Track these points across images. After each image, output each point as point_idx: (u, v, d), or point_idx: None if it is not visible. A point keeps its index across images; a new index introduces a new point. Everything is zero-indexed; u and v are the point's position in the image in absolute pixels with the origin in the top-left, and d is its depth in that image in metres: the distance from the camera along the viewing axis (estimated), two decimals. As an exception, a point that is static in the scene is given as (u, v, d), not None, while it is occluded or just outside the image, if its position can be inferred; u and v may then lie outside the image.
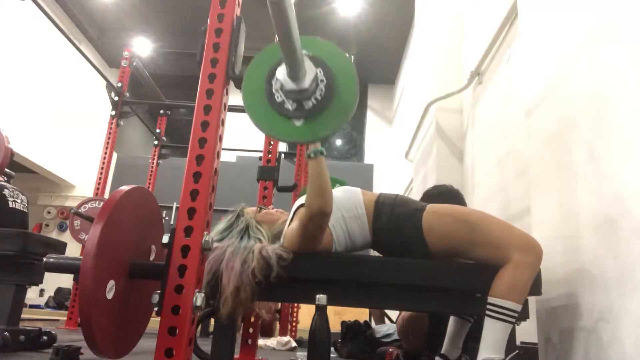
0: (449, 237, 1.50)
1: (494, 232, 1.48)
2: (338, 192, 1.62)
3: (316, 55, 1.33)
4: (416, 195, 4.41)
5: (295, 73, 1.25)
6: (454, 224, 1.51)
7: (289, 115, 1.30)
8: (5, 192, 2.54)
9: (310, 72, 1.27)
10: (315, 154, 1.35)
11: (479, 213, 1.58)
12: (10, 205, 2.53)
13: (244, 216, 1.63)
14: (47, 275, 2.14)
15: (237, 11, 1.38)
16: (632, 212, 1.33)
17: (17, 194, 2.61)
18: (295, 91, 1.27)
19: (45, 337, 2.13)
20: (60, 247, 2.34)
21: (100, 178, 4.27)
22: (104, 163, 4.32)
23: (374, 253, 1.78)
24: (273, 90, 1.32)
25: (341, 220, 1.56)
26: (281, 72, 1.29)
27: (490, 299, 1.40)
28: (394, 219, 1.55)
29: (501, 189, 3.04)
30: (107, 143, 4.37)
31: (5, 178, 2.72)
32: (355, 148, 10.77)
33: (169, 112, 5.26)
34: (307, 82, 1.26)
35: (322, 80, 1.30)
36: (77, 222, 3.83)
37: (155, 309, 1.16)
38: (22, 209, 2.60)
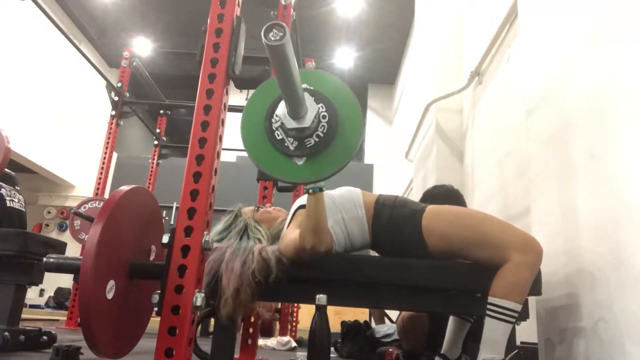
0: (448, 238, 1.50)
1: (494, 232, 1.48)
2: (338, 192, 1.62)
3: (318, 89, 1.30)
4: (416, 195, 4.41)
5: (296, 112, 1.21)
6: (453, 225, 1.51)
7: (290, 154, 1.26)
8: (3, 191, 2.54)
9: (312, 109, 1.23)
10: (314, 191, 1.33)
11: (479, 214, 1.58)
12: (8, 204, 2.53)
13: (242, 216, 1.63)
14: (47, 275, 2.14)
15: (237, 11, 1.38)
16: (632, 211, 1.33)
17: (14, 193, 2.62)
18: (296, 129, 1.23)
19: (45, 337, 2.13)
20: (60, 247, 2.34)
21: (100, 178, 4.26)
22: (104, 163, 4.32)
23: (373, 253, 1.78)
24: (273, 127, 1.28)
25: (341, 222, 1.55)
26: (281, 110, 1.25)
27: (491, 299, 1.40)
28: (393, 220, 1.54)
29: (501, 189, 3.04)
30: (107, 143, 4.37)
31: (16, 189, 2.72)
32: (355, 148, 10.74)
33: (169, 112, 5.26)
34: (308, 121, 1.22)
35: (324, 117, 1.26)
36: (77, 222, 3.83)
37: (155, 309, 1.16)
38: (20, 208, 2.61)
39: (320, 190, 1.34)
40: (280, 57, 1.04)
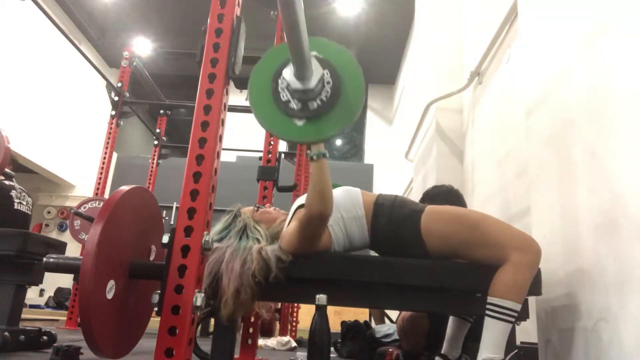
0: (447, 239, 1.50)
1: (493, 232, 1.48)
2: (338, 192, 1.62)
3: (324, 57, 1.33)
4: (416, 195, 4.42)
5: (302, 73, 1.25)
6: (452, 226, 1.51)
7: (292, 114, 1.30)
8: (13, 193, 2.57)
9: (317, 73, 1.27)
10: (318, 157, 1.34)
11: (478, 214, 1.58)
12: (15, 206, 2.55)
13: (241, 216, 1.63)
14: (47, 275, 2.14)
15: (237, 11, 1.38)
16: (632, 212, 1.33)
17: (24, 196, 2.64)
18: (301, 91, 1.27)
19: (45, 337, 2.13)
20: (60, 247, 2.34)
21: (100, 178, 4.27)
22: (104, 163, 4.32)
23: (373, 253, 1.78)
24: (279, 88, 1.32)
25: (340, 221, 1.55)
26: (288, 71, 1.29)
27: (490, 299, 1.40)
28: (393, 221, 1.54)
29: (501, 189, 3.04)
30: (107, 143, 4.37)
31: (14, 183, 2.73)
32: (355, 148, 10.77)
33: (169, 112, 5.26)
34: (313, 83, 1.26)
35: (328, 82, 1.30)
36: (77, 222, 3.83)
37: (155, 309, 1.16)
38: (26, 211, 2.62)
39: (324, 156, 1.35)
40: (292, 14, 1.05)
